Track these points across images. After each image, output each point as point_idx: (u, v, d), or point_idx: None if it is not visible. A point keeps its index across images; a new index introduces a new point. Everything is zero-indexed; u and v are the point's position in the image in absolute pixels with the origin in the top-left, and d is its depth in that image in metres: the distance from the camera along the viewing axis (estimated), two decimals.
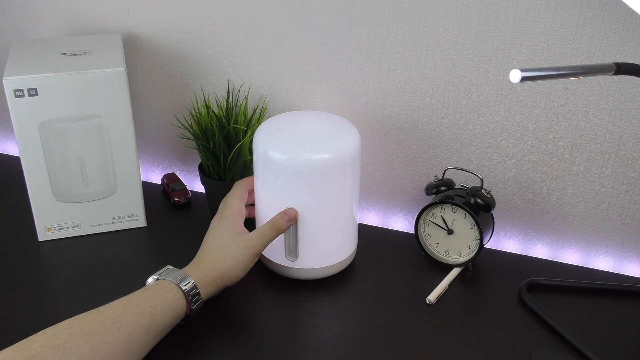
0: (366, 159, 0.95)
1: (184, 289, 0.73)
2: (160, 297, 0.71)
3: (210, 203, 0.97)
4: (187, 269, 0.77)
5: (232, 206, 0.83)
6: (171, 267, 0.76)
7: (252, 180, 0.85)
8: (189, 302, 0.73)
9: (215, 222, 0.82)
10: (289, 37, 0.91)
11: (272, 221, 0.79)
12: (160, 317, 0.70)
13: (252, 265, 0.79)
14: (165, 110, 1.04)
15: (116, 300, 0.70)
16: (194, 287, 0.74)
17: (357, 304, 0.82)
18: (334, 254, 0.84)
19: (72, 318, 0.67)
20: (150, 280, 0.75)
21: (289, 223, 0.79)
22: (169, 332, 0.73)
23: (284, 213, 0.79)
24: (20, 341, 0.63)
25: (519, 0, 0.79)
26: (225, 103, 0.95)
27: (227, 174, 0.92)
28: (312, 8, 0.88)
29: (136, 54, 1.01)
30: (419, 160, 0.93)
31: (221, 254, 0.78)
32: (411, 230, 0.94)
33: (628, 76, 0.75)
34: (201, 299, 0.75)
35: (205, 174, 0.94)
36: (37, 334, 0.64)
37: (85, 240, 0.93)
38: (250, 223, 0.86)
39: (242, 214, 0.84)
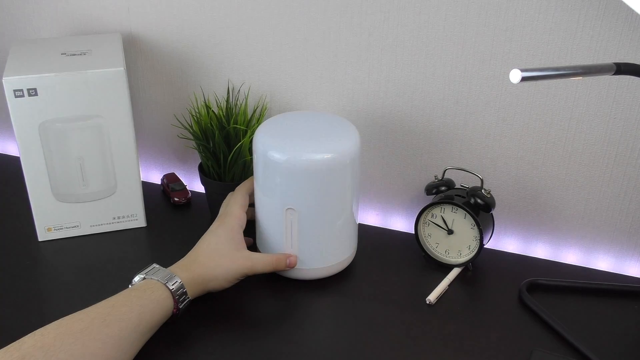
0: (366, 159, 0.95)
1: (171, 288, 0.73)
2: (148, 296, 0.72)
3: (210, 203, 0.97)
4: (175, 268, 0.77)
5: (233, 214, 0.83)
6: (157, 265, 0.76)
7: (253, 182, 0.85)
8: (176, 301, 0.73)
9: (215, 227, 0.82)
10: (289, 37, 0.91)
11: (276, 258, 0.80)
12: (149, 315, 0.70)
13: (238, 281, 0.80)
14: (165, 110, 1.04)
15: (103, 301, 0.70)
16: (181, 286, 0.74)
17: (357, 304, 0.82)
18: (334, 254, 0.84)
19: (60, 319, 0.67)
20: (136, 279, 0.75)
21: (286, 267, 0.81)
22: (169, 333, 0.73)
23: (287, 256, 0.80)
24: (10, 344, 0.63)
25: (519, 0, 0.79)
26: (225, 103, 0.95)
27: (227, 174, 0.92)
28: (312, 8, 0.88)
29: (136, 54, 1.01)
30: (419, 160, 0.93)
31: (214, 262, 0.78)
32: (411, 230, 0.94)
33: (628, 76, 0.75)
34: (188, 298, 0.75)
35: (205, 174, 0.94)
36: (26, 336, 0.64)
37: (85, 240, 0.93)
38: (250, 225, 0.86)
39: (243, 223, 0.83)
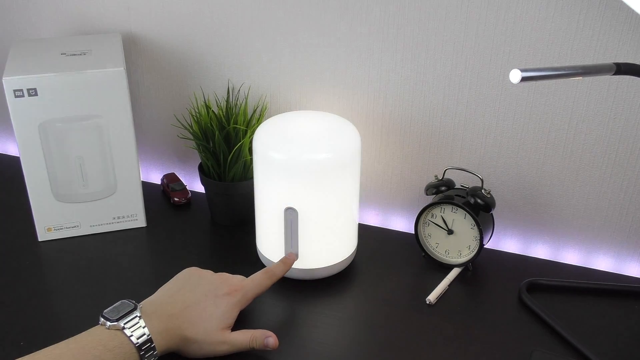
0: (366, 159, 0.95)
1: (135, 343, 0.65)
2: (104, 344, 0.63)
3: (210, 203, 0.97)
4: (148, 320, 0.67)
5: (248, 291, 0.76)
6: (127, 302, 0.68)
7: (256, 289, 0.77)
8: (140, 355, 0.66)
9: (221, 293, 0.74)
10: (289, 37, 0.91)
11: (252, 337, 0.72)
12: None
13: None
14: (165, 110, 1.04)
15: (51, 347, 0.62)
16: (149, 340, 0.65)
17: (357, 304, 0.82)
18: (334, 254, 0.84)
19: None
20: (102, 320, 0.66)
21: (264, 347, 0.72)
22: None
23: (265, 335, 0.72)
24: None
25: (519, 1, 0.79)
26: (225, 103, 0.95)
27: (227, 174, 0.92)
28: (313, 8, 0.88)
29: (136, 54, 1.01)
30: (419, 160, 0.93)
31: (195, 331, 0.70)
32: (411, 230, 0.94)
33: (628, 76, 0.75)
34: (155, 352, 0.66)
35: (205, 174, 0.94)
36: None
37: (85, 240, 0.93)
38: (250, 225, 0.86)
39: (234, 318, 0.74)
